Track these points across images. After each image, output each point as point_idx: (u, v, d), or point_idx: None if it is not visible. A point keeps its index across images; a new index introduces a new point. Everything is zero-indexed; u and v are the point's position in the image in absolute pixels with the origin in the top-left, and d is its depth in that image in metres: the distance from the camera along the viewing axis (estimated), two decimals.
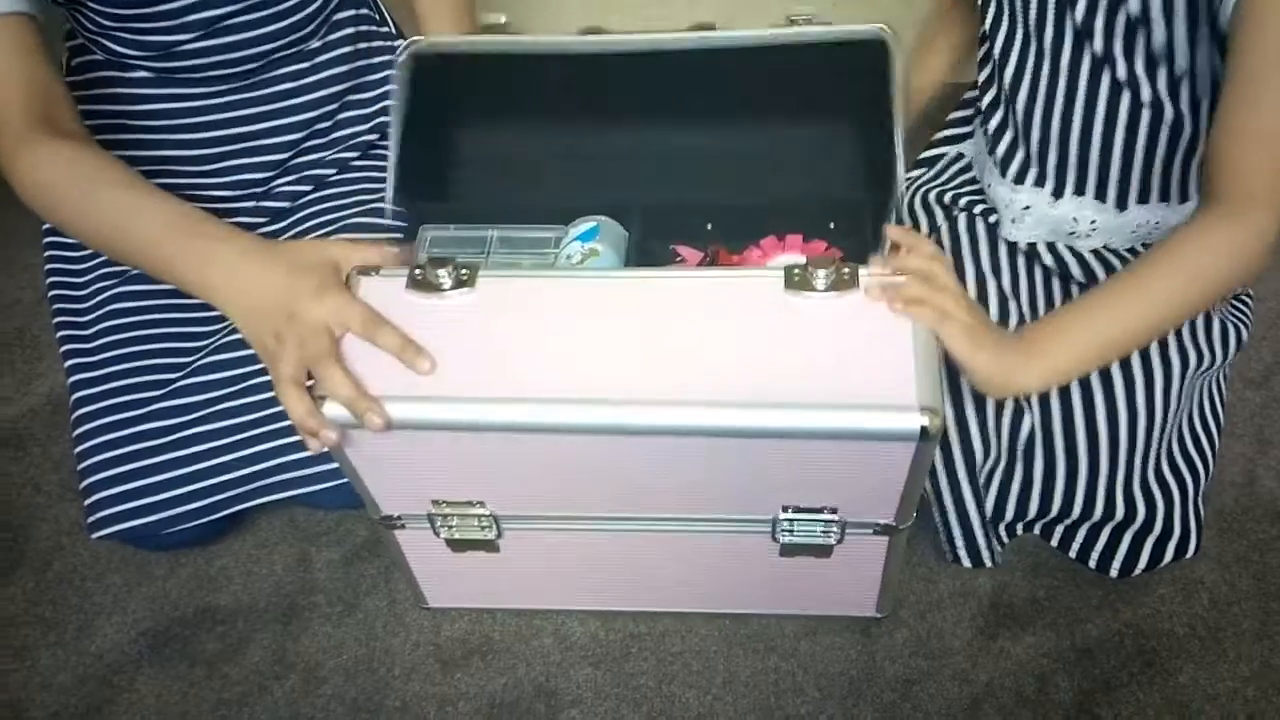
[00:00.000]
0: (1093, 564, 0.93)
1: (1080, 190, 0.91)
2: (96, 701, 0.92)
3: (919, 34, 1.09)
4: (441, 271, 0.70)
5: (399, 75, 0.88)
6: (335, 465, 0.80)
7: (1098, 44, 0.82)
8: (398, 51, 0.87)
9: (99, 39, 0.90)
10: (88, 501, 0.90)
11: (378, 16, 1.06)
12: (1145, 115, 0.84)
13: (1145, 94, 0.83)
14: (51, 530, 1.04)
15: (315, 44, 0.97)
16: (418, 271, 0.71)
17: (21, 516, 1.06)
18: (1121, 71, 0.83)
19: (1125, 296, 0.74)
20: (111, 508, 0.89)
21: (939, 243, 1.00)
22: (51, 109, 0.79)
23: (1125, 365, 0.89)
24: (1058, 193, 0.92)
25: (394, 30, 1.07)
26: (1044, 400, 0.89)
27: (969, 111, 1.10)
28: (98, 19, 0.88)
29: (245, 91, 0.95)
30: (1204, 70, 0.80)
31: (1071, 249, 0.94)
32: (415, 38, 0.86)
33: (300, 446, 0.84)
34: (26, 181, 0.78)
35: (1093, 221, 0.93)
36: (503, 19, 0.89)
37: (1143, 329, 0.74)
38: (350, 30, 1.01)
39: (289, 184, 1.00)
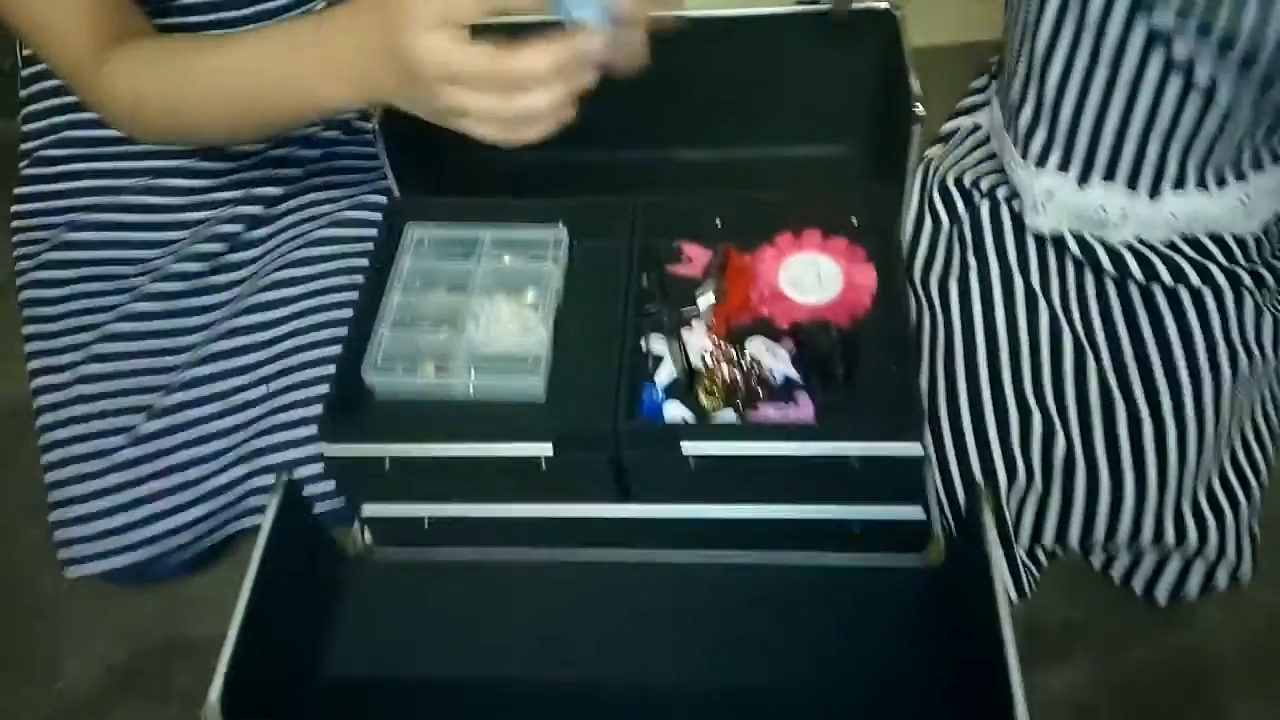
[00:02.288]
0: (1138, 589, 0.86)
1: (1110, 175, 0.83)
2: None
3: None
4: None
5: None
6: (330, 483, 0.72)
7: (1159, 18, 0.73)
8: None
9: None
10: (59, 538, 0.83)
11: None
12: (1195, 99, 0.76)
13: (1201, 77, 0.74)
14: (12, 555, 0.98)
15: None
16: None
17: None
18: (1181, 51, 0.74)
19: None
20: (88, 547, 0.82)
21: (960, 238, 0.93)
22: (120, 21, 0.73)
23: (1171, 372, 0.82)
24: (1084, 178, 0.84)
25: None
26: (1084, 416, 0.82)
27: (987, 80, 1.01)
28: None
29: None
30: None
31: (1102, 240, 0.86)
32: None
33: (292, 465, 0.78)
34: (121, 106, 0.73)
35: (1123, 211, 0.84)
36: None
37: None
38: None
39: (276, 164, 0.93)
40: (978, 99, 1.03)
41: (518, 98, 0.57)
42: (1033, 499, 0.82)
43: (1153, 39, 0.75)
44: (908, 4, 0.88)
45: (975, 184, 0.94)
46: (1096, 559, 0.88)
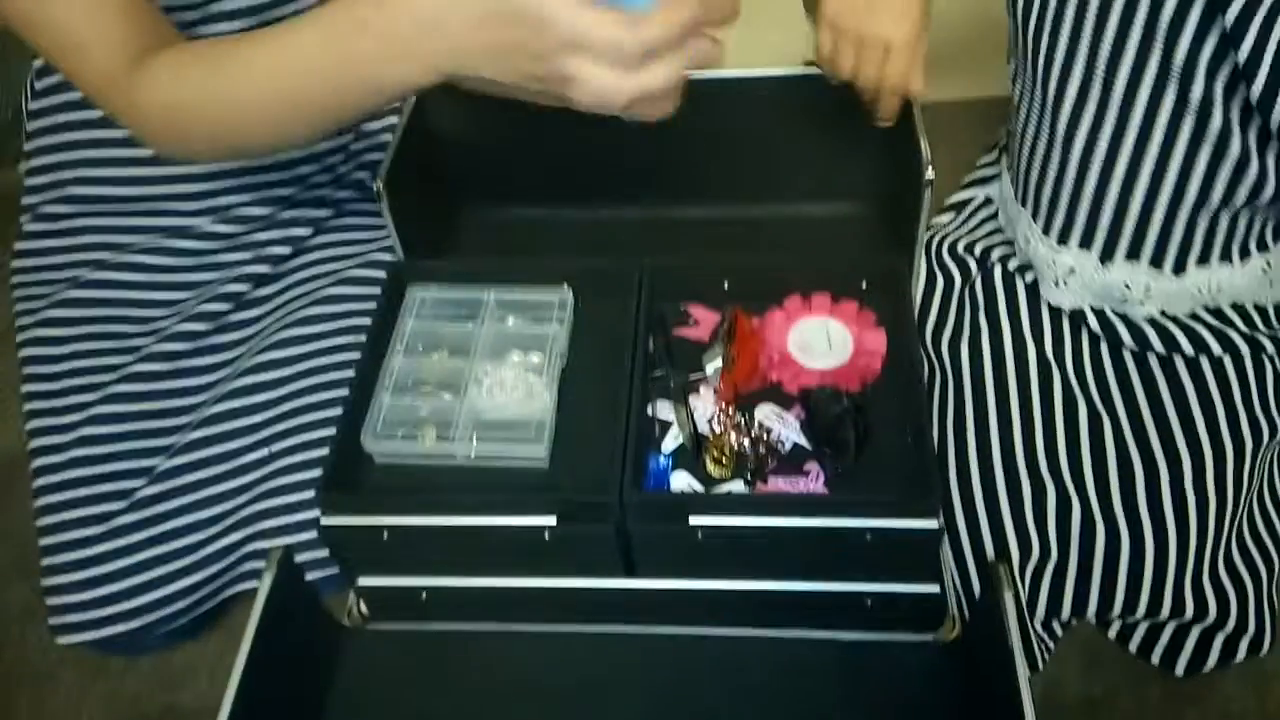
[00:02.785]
0: (1156, 661, 0.84)
1: (1134, 254, 0.82)
2: None
3: None
4: None
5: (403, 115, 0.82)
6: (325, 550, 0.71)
7: (1197, 89, 0.72)
8: None
9: None
10: (52, 603, 0.81)
11: None
12: (1225, 170, 0.75)
13: (1234, 148, 0.73)
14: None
15: None
16: None
17: None
18: (1216, 120, 0.73)
19: None
20: (82, 614, 0.80)
21: (970, 298, 0.92)
22: (152, 32, 0.69)
23: (1193, 442, 0.80)
24: (1107, 255, 0.83)
25: None
26: (1101, 485, 0.80)
27: (997, 154, 1.01)
28: None
29: None
30: None
31: (1123, 315, 0.85)
32: None
33: (290, 530, 0.77)
34: (155, 112, 0.68)
35: (1146, 287, 0.83)
36: None
37: None
38: None
39: (287, 225, 0.91)
40: (988, 172, 1.02)
41: (645, 71, 0.52)
42: (1049, 571, 0.80)
43: (1182, 109, 0.74)
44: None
45: (986, 253, 0.93)
46: (1113, 629, 0.86)
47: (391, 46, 0.57)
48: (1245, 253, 0.82)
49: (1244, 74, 0.70)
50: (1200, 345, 0.83)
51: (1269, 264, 0.83)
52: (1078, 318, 0.87)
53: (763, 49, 0.91)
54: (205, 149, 0.73)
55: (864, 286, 0.81)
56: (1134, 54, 0.74)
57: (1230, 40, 0.69)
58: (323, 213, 0.93)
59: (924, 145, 0.79)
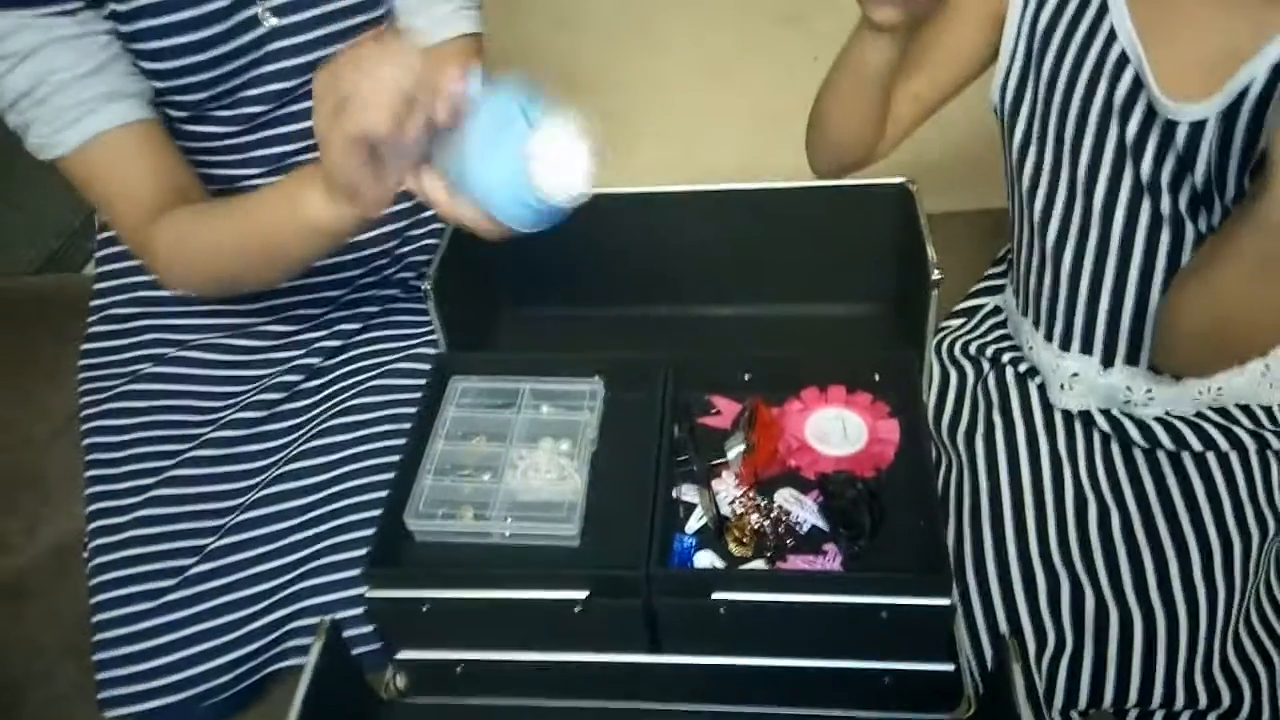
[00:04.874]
0: None
1: (1133, 359, 0.87)
2: None
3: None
4: None
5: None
6: (368, 626, 0.74)
7: (1165, 204, 0.78)
8: None
9: None
10: (101, 677, 0.84)
11: None
12: None
13: None
14: (48, 694, 0.97)
15: None
16: None
17: (18, 677, 0.99)
18: (1190, 232, 0.78)
19: None
20: (130, 686, 0.83)
21: (984, 394, 0.96)
22: (178, 192, 0.83)
23: (1201, 535, 0.83)
24: (1107, 361, 0.88)
25: None
26: (1114, 576, 0.83)
27: (1005, 266, 1.06)
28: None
29: None
30: None
31: (1130, 415, 0.89)
32: None
33: (333, 607, 0.81)
34: (163, 253, 0.82)
35: (1148, 390, 0.87)
36: None
37: None
38: None
39: (337, 323, 0.98)
40: (995, 282, 1.08)
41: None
42: (1065, 660, 0.82)
43: (1159, 221, 0.80)
44: (922, 176, 0.94)
45: (996, 356, 0.98)
46: None
47: (309, 176, 0.69)
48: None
49: (1202, 199, 0.76)
50: (1208, 442, 0.86)
51: (1267, 367, 0.87)
52: (1087, 418, 0.91)
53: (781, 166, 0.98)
54: (197, 283, 0.85)
55: (877, 379, 0.85)
56: (1109, 170, 0.81)
57: (1184, 164, 0.75)
58: (370, 310, 1.00)
59: (930, 250, 0.85)
